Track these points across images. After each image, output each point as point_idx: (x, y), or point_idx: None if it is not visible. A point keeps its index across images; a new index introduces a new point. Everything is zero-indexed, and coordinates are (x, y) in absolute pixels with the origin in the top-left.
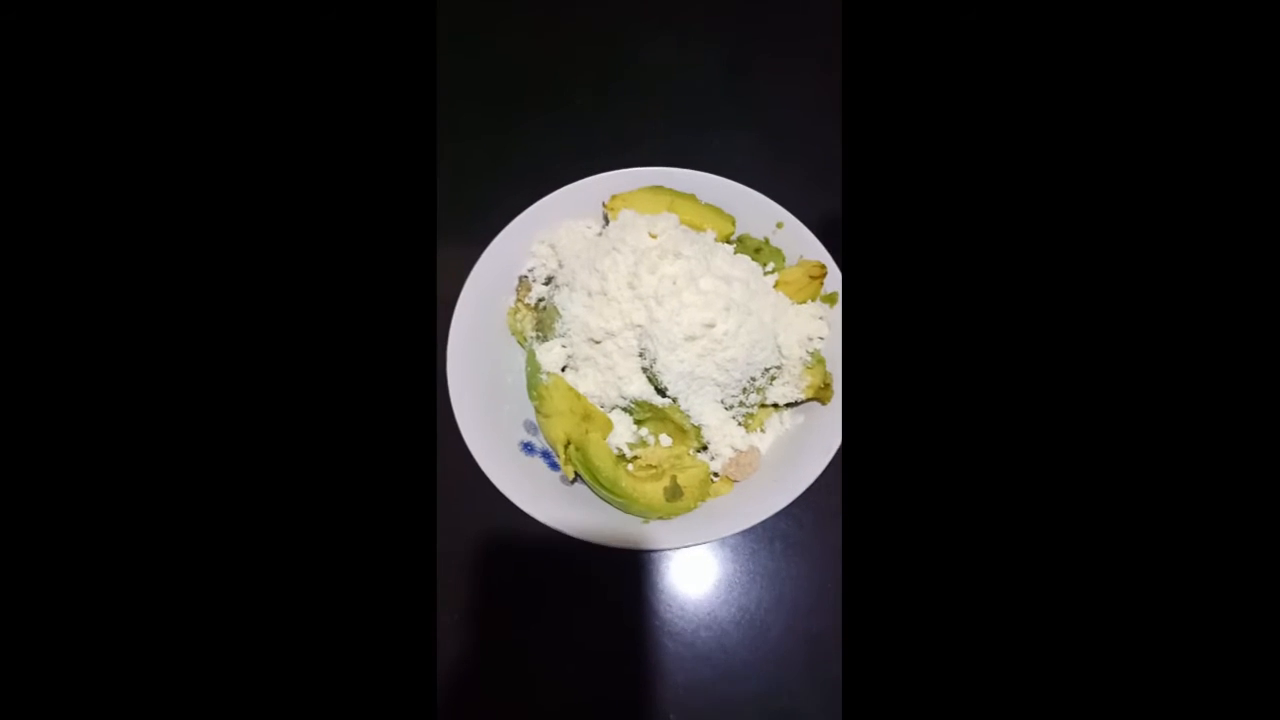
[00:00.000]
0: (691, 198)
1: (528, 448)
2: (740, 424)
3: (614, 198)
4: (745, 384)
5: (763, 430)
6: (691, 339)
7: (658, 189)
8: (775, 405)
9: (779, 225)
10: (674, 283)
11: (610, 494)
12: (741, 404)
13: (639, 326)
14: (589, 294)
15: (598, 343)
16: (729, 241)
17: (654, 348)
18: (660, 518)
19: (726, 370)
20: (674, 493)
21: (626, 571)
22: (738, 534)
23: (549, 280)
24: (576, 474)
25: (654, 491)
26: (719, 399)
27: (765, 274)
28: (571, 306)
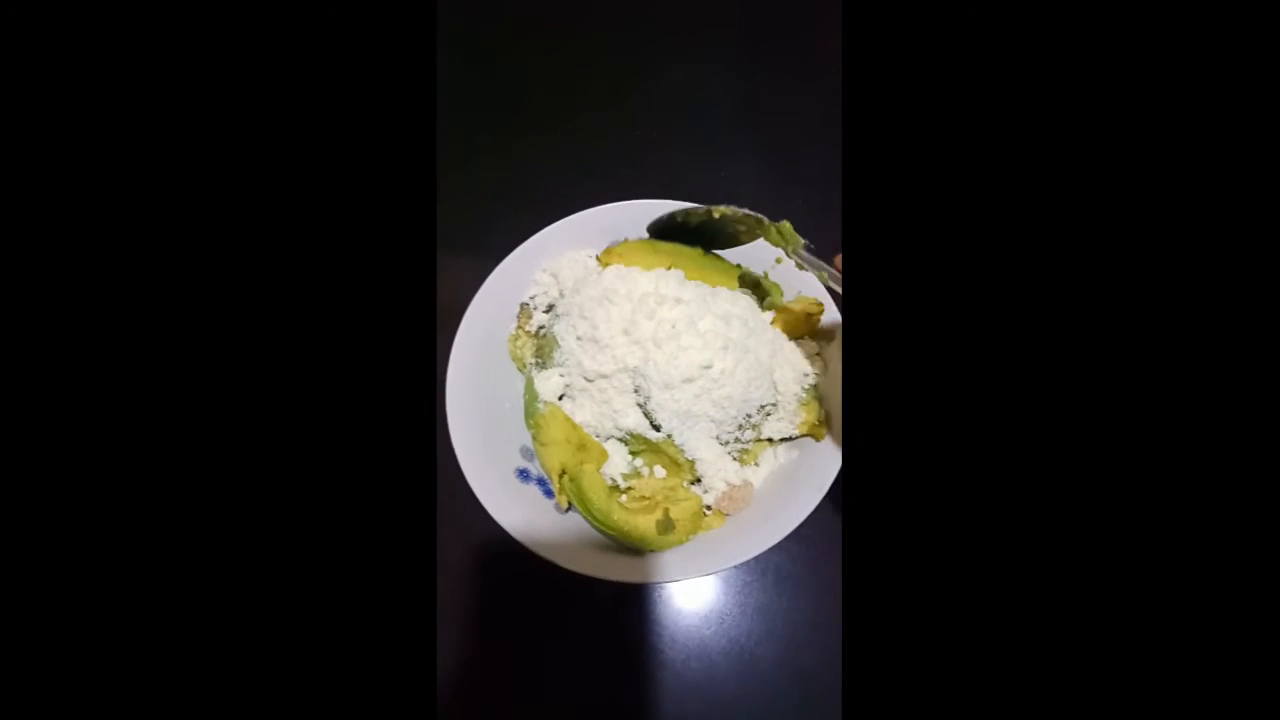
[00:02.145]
0: (694, 254)
1: (523, 474)
2: (735, 459)
3: (608, 252)
4: (741, 421)
5: (756, 464)
6: (689, 381)
7: (654, 245)
8: (770, 440)
9: (778, 260)
10: (673, 326)
11: (603, 525)
12: (737, 440)
13: (634, 369)
14: (579, 339)
15: (591, 381)
16: None
17: (648, 387)
18: (652, 550)
19: (722, 408)
20: (666, 526)
21: (617, 601)
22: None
23: (550, 308)
24: (571, 503)
25: (646, 524)
26: (714, 435)
27: (763, 308)
28: (568, 339)
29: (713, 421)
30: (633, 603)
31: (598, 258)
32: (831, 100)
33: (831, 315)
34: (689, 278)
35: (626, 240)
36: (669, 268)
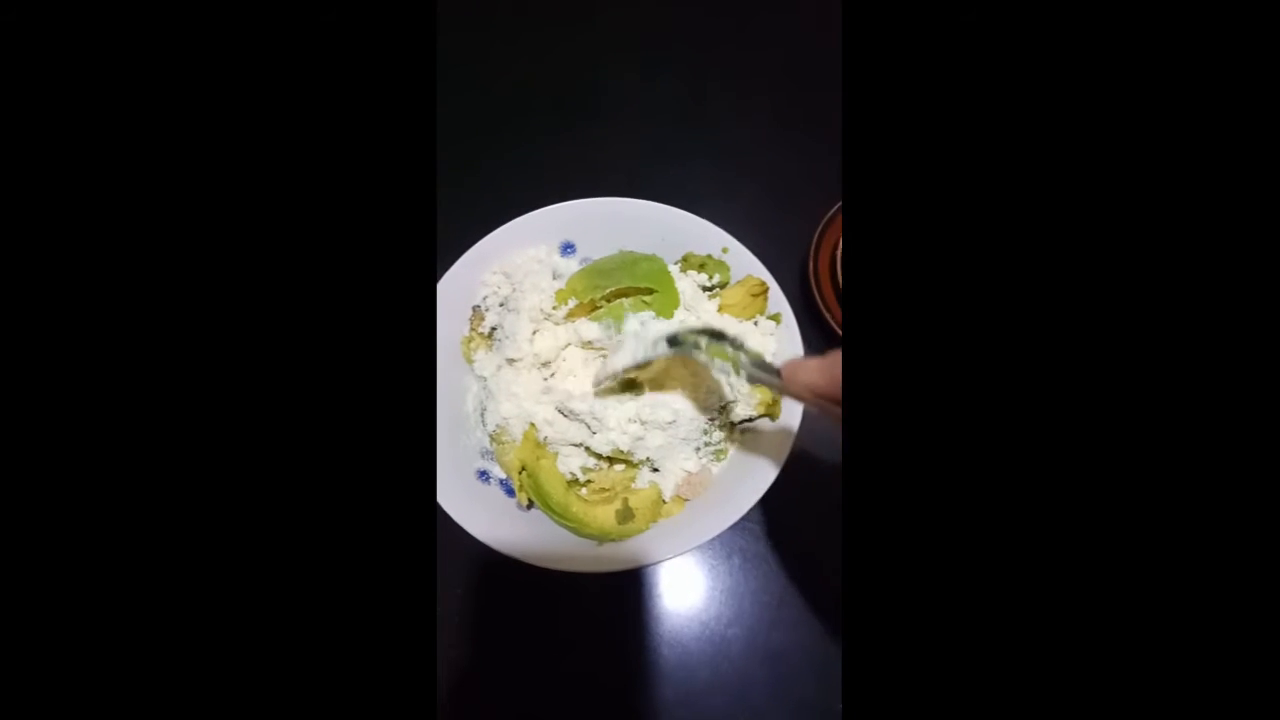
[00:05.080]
0: (636, 279)
1: (483, 475)
2: (708, 461)
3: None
4: (705, 426)
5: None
6: (641, 422)
7: (600, 273)
8: (731, 425)
9: (725, 250)
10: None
11: (562, 519)
12: (707, 444)
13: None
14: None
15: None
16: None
17: (597, 427)
18: (613, 540)
19: (679, 425)
20: (625, 515)
21: (585, 593)
22: (694, 551)
23: (503, 304)
24: (531, 500)
25: (605, 515)
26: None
27: (710, 288)
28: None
29: (675, 439)
30: (601, 594)
31: (556, 293)
32: (773, 101)
33: (777, 296)
34: (634, 309)
35: (573, 274)
36: (610, 300)
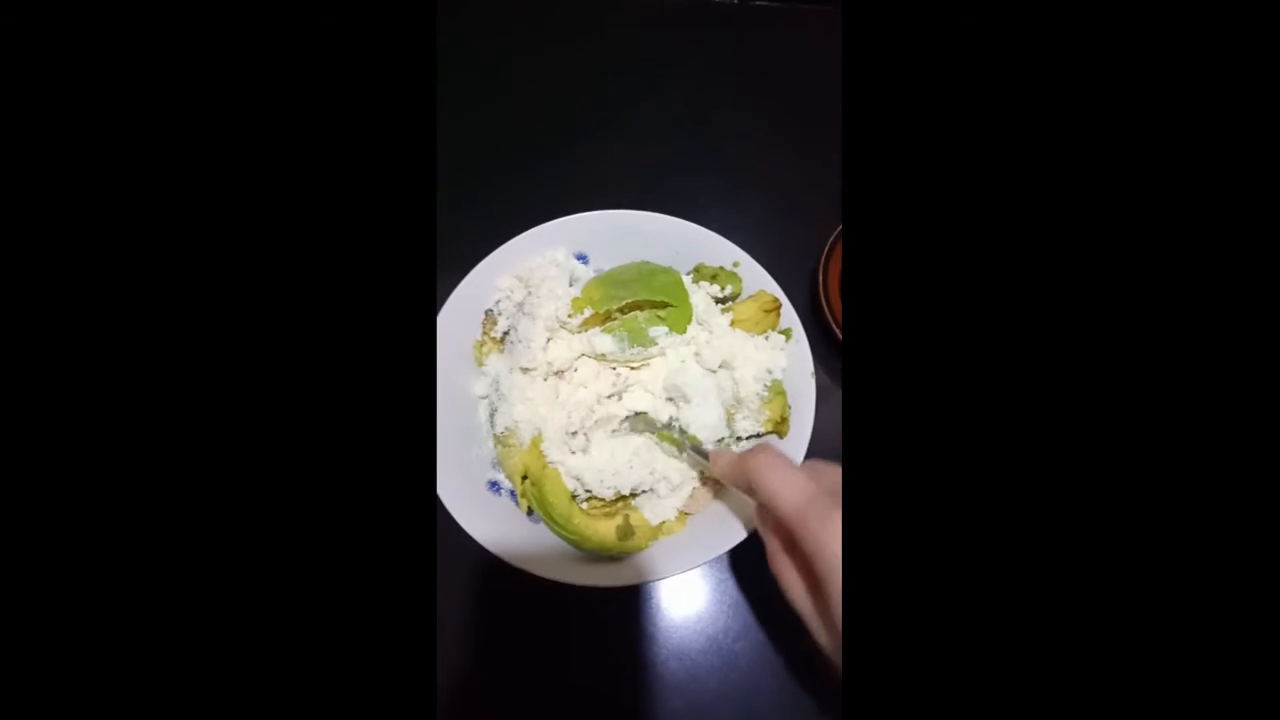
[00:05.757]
0: (651, 292)
1: (494, 486)
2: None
3: (575, 300)
4: (713, 444)
5: None
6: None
7: (615, 282)
8: (738, 438)
9: (736, 264)
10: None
11: (563, 530)
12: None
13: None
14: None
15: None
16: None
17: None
18: (614, 556)
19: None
20: (626, 532)
21: (593, 604)
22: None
23: (519, 306)
24: (531, 507)
25: (606, 530)
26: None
27: (722, 300)
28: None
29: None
30: (608, 606)
31: (572, 300)
32: (775, 116)
33: (789, 313)
34: (649, 323)
35: (589, 281)
36: (625, 312)
